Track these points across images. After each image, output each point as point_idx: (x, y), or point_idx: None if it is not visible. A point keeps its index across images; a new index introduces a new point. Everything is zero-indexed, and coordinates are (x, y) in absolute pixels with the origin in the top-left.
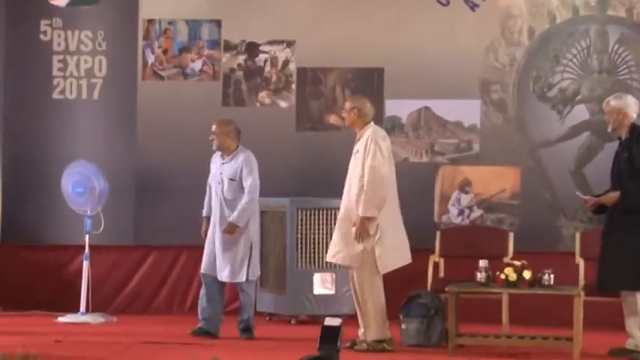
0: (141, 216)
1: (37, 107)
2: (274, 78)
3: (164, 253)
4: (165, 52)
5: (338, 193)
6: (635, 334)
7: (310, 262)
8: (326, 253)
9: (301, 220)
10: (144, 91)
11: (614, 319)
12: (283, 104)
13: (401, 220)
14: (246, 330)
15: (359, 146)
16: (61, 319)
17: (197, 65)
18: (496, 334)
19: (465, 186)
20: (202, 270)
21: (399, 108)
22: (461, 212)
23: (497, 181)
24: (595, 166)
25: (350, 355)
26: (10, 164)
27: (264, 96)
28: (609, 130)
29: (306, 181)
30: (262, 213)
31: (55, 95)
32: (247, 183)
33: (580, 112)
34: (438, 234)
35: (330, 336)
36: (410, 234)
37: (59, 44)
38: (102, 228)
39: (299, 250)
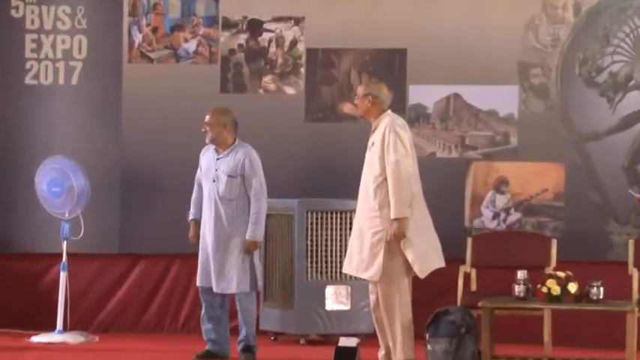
0: (127, 219)
1: (7, 94)
2: (280, 61)
3: (154, 263)
4: (154, 30)
5: (354, 193)
6: None
7: (322, 272)
8: (340, 262)
9: (311, 224)
10: (130, 75)
11: None
12: (290, 91)
13: (430, 220)
14: (247, 350)
15: (375, 138)
16: (34, 339)
17: (191, 46)
18: (537, 357)
19: (500, 185)
20: (198, 282)
21: (424, 95)
22: (496, 215)
23: (538, 179)
24: None
25: None
26: None
27: (268, 81)
28: None
29: (316, 180)
30: (266, 217)
31: (28, 80)
32: (252, 186)
33: (633, 100)
34: (470, 241)
35: (345, 359)
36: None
37: (32, 22)
38: (82, 233)
39: (309, 259)
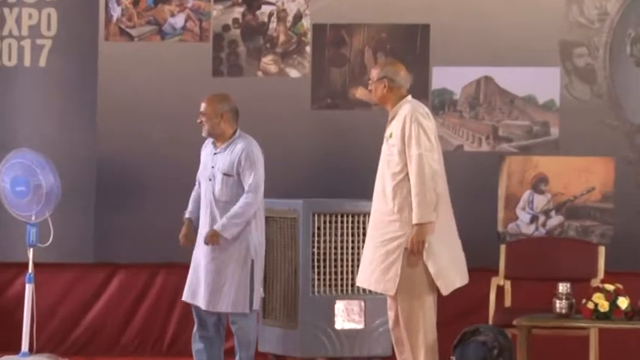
0: (104, 223)
1: None
2: (282, 38)
3: (135, 274)
4: (135, 3)
5: (368, 193)
6: None
7: (331, 285)
8: (352, 272)
9: (318, 228)
10: (107, 55)
11: None
12: (294, 73)
13: (454, 226)
14: None
15: (393, 128)
16: None
17: (178, 21)
18: None
19: (539, 184)
20: (183, 296)
21: (450, 78)
22: (534, 219)
23: (584, 176)
24: None
25: None
26: None
27: (268, 62)
28: None
29: (324, 177)
30: (266, 220)
31: None
32: (247, 182)
33: None
34: (503, 248)
35: None
36: (465, 248)
37: None
38: (51, 239)
39: (315, 270)
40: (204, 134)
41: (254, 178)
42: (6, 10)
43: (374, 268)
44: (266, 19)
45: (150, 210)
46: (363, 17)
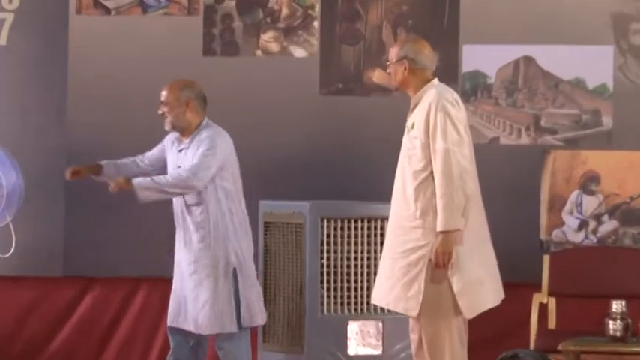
0: (75, 230)
1: None
2: (285, 12)
3: (111, 289)
4: None
5: (386, 194)
6: None
7: (343, 303)
8: (368, 288)
9: (328, 236)
10: (79, 31)
11: None
12: (300, 53)
13: (488, 236)
14: None
15: (415, 118)
16: None
17: None
18: None
19: (589, 183)
20: (168, 321)
21: (483, 59)
22: (583, 225)
23: None
24: None
25: None
26: None
27: (269, 40)
28: None
29: (335, 176)
30: (266, 225)
31: None
32: (192, 162)
33: None
34: (547, 259)
35: None
36: (501, 259)
37: None
38: (12, 249)
39: (325, 285)
40: (167, 128)
41: (200, 159)
42: None
43: (393, 284)
44: None
45: (129, 214)
46: None
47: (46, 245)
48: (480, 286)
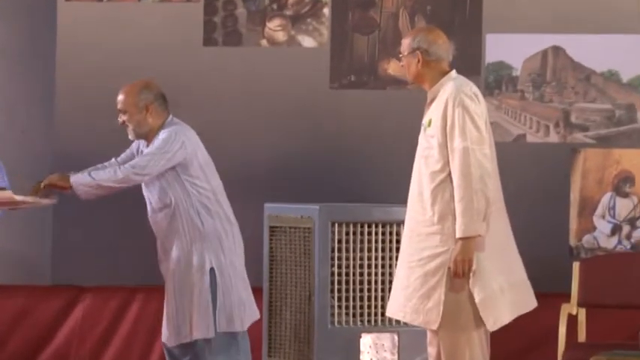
0: (64, 237)
1: None
2: None
3: (103, 299)
4: None
5: (400, 197)
6: None
7: (355, 314)
8: (382, 299)
9: (339, 241)
10: (68, 19)
11: None
12: (309, 42)
13: (512, 240)
14: None
15: (432, 114)
16: None
17: None
18: None
19: (623, 184)
20: (162, 337)
21: (508, 49)
22: (616, 229)
23: None
24: None
25: None
26: None
27: (275, 28)
28: None
29: (347, 176)
30: (272, 230)
31: None
32: (146, 150)
33: None
34: (577, 267)
35: None
36: (526, 267)
37: None
38: None
39: (336, 294)
40: (131, 137)
41: (144, 156)
42: None
43: (410, 295)
44: None
45: (122, 219)
46: None
47: (34, 252)
48: (501, 296)
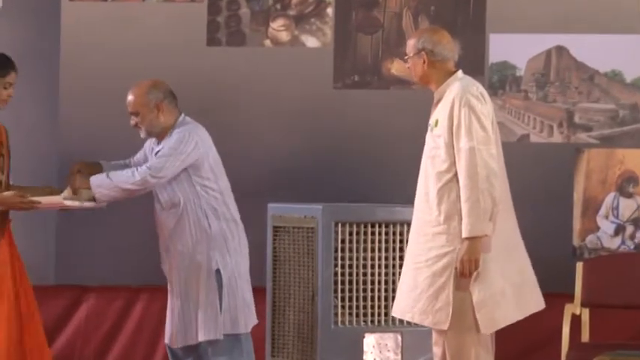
0: (67, 237)
1: None
2: None
3: (108, 299)
4: None
5: (404, 197)
6: None
7: (358, 314)
8: (386, 299)
9: (342, 241)
10: (72, 19)
11: None
12: (312, 42)
13: (520, 243)
14: None
15: (438, 114)
16: None
17: None
18: None
19: (627, 184)
20: (165, 338)
21: (512, 49)
22: (619, 230)
23: None
24: None
25: None
26: None
27: (279, 28)
28: None
29: (350, 176)
30: (275, 230)
31: None
32: (159, 151)
33: None
34: (580, 267)
35: None
36: None
37: None
38: None
39: (339, 295)
40: (142, 136)
41: (159, 158)
42: None
43: (418, 296)
44: None
45: (126, 219)
46: None
47: (37, 252)
48: (502, 298)
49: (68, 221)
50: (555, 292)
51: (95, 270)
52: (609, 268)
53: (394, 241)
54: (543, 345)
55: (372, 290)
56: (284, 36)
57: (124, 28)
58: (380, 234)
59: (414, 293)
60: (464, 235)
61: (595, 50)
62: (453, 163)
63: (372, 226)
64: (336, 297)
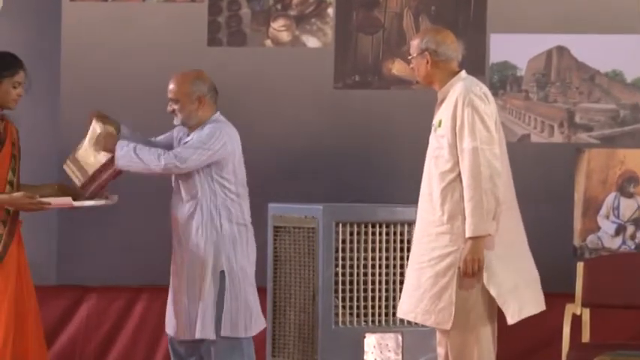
0: (69, 236)
1: None
2: None
3: (109, 299)
4: None
5: (405, 197)
6: None
7: (359, 314)
8: (387, 299)
9: (343, 242)
10: (73, 20)
11: None
12: (313, 42)
13: (524, 239)
14: None
15: (442, 115)
16: None
17: None
18: None
19: (627, 184)
20: (166, 328)
21: (513, 49)
22: (620, 230)
23: None
24: None
25: None
26: None
27: (279, 28)
28: None
29: (351, 176)
30: (276, 230)
31: None
32: (189, 141)
33: None
34: (581, 267)
35: None
36: None
37: None
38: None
39: (340, 295)
40: (176, 122)
41: (187, 148)
42: None
43: (421, 296)
44: None
45: (127, 219)
46: None
47: (39, 252)
48: (517, 292)
49: (70, 221)
50: (556, 292)
51: (96, 270)
52: (610, 268)
53: (395, 242)
54: (544, 345)
55: (373, 290)
56: (285, 36)
57: (125, 28)
58: (381, 234)
59: (417, 293)
60: (467, 234)
61: (596, 50)
62: (457, 163)
63: (373, 226)
64: (337, 297)
